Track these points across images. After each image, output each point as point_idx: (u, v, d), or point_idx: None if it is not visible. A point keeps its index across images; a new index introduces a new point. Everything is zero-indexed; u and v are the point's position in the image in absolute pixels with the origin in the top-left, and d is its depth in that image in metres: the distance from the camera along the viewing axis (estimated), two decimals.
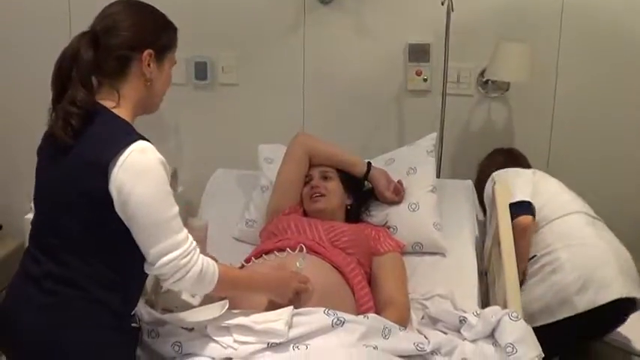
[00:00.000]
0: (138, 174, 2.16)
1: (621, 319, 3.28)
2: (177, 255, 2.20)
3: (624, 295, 3.15)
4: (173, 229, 2.21)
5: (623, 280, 3.17)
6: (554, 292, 3.22)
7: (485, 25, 3.89)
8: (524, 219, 3.27)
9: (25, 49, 4.15)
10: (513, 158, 3.75)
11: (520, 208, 3.29)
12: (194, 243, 2.27)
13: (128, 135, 2.20)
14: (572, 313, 3.16)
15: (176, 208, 2.23)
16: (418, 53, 4.01)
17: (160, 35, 2.36)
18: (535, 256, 3.32)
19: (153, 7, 2.40)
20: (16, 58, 4.20)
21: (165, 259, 2.19)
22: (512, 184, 3.40)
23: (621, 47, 3.89)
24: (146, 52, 2.31)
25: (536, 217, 3.30)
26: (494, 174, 3.52)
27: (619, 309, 3.21)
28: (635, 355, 3.33)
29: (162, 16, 2.41)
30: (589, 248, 3.26)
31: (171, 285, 2.26)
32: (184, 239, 2.23)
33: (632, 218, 3.98)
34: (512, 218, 3.22)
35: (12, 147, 4.15)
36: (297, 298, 2.63)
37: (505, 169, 3.56)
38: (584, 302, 3.15)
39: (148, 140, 2.22)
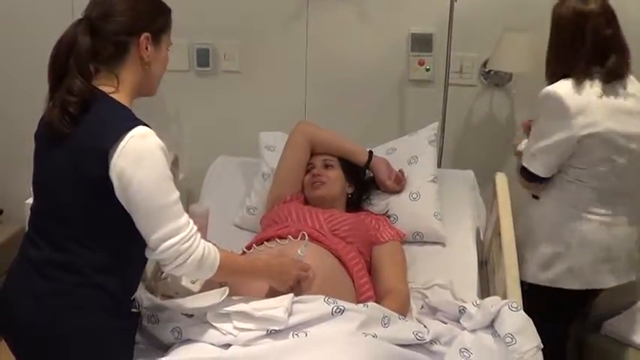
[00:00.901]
0: (138, 159, 2.16)
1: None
2: (178, 240, 2.20)
3: (583, 288, 3.14)
4: (174, 214, 2.22)
5: (590, 272, 3.12)
6: (528, 249, 3.20)
7: (488, 15, 3.87)
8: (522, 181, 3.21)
9: (27, 34, 4.14)
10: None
11: (530, 177, 3.15)
12: (195, 228, 2.27)
13: (128, 121, 2.21)
14: (532, 282, 3.14)
15: (177, 193, 2.24)
16: (421, 43, 4.00)
17: (155, 18, 2.36)
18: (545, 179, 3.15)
19: None
20: (17, 44, 4.19)
21: (166, 244, 2.19)
22: (551, 132, 3.02)
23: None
24: (143, 36, 2.31)
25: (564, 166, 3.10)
26: (550, 90, 3.01)
27: (581, 296, 3.21)
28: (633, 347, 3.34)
29: None
30: (581, 223, 3.11)
31: (173, 270, 2.26)
32: (185, 224, 2.24)
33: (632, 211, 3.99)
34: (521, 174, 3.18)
35: (12, 131, 4.15)
36: (298, 285, 2.64)
37: (565, 98, 2.96)
38: (546, 278, 3.16)
39: (147, 125, 2.22)
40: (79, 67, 2.22)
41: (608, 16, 3.04)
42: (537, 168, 3.10)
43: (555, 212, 3.15)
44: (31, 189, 2.38)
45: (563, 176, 3.11)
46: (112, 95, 2.26)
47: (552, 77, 3.08)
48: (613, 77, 3.02)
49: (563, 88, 3.00)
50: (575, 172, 3.08)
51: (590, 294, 3.20)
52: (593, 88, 2.99)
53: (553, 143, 3.03)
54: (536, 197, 3.24)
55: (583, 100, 2.97)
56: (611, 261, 3.12)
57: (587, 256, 3.10)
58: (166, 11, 2.42)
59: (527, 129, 3.28)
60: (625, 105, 3.03)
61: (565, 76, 3.02)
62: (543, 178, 3.12)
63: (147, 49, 2.32)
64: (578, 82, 3.00)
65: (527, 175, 3.14)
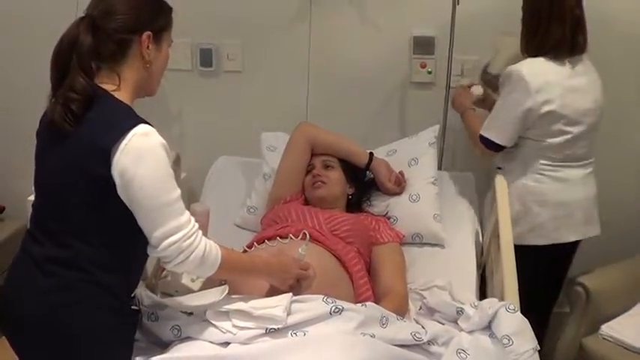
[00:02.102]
0: (140, 157, 2.17)
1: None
2: (180, 237, 2.22)
3: (547, 243, 3.39)
4: (176, 211, 2.23)
5: (552, 228, 3.39)
6: None
7: (490, 19, 3.86)
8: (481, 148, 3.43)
9: (30, 32, 4.14)
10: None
11: (490, 145, 3.38)
12: (196, 225, 2.28)
13: (130, 119, 2.22)
14: None
15: (178, 191, 2.25)
16: (423, 46, 4.00)
17: (157, 16, 2.37)
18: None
19: None
20: (20, 40, 4.19)
21: (168, 241, 2.21)
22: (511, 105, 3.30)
23: (624, 44, 3.88)
24: (145, 35, 2.32)
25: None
26: (514, 70, 3.30)
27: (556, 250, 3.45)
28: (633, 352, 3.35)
29: None
30: (541, 186, 3.37)
31: (175, 267, 2.28)
32: (187, 221, 2.25)
33: (630, 225, 4.04)
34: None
35: (14, 129, 4.15)
36: (298, 284, 2.65)
37: (527, 77, 3.24)
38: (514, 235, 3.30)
39: (149, 124, 2.23)
40: (82, 64, 2.23)
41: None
42: (501, 138, 3.35)
43: (518, 179, 3.39)
44: (33, 186, 2.39)
45: (523, 149, 3.38)
46: (113, 93, 2.28)
47: (527, 53, 3.37)
48: (578, 53, 3.32)
49: (527, 67, 3.27)
50: (533, 144, 3.35)
51: (554, 250, 3.44)
52: (555, 67, 3.28)
53: (515, 117, 3.28)
54: (500, 167, 3.48)
55: (543, 79, 3.25)
56: (569, 217, 3.40)
57: (546, 214, 3.37)
58: (167, 10, 2.43)
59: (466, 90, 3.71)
60: (577, 84, 3.31)
61: (538, 53, 3.31)
62: (501, 147, 3.37)
63: (148, 47, 2.33)
64: (546, 60, 3.28)
65: (487, 142, 3.38)
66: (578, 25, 3.29)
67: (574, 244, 3.50)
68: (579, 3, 3.29)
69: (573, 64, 3.31)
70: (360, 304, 2.60)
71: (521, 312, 2.57)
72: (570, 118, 3.29)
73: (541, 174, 3.36)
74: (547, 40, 3.27)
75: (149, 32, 2.33)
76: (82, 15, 2.31)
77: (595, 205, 3.49)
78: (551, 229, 3.39)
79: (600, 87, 3.41)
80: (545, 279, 3.57)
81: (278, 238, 2.94)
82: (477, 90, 3.68)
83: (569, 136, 3.31)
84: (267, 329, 2.42)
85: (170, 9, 2.44)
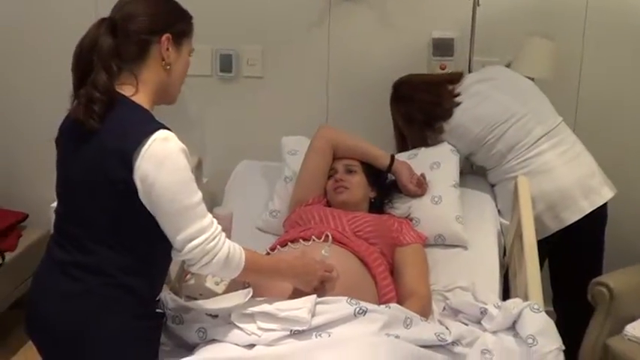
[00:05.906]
0: (161, 162, 2.19)
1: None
2: (203, 240, 2.23)
3: (550, 233, 3.49)
4: (198, 214, 2.24)
5: (550, 217, 3.49)
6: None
7: (510, 20, 3.87)
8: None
9: (49, 39, 4.18)
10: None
11: None
12: (219, 227, 2.29)
13: (149, 124, 2.23)
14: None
15: (200, 194, 2.26)
16: (442, 48, 4.00)
17: (176, 20, 2.40)
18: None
19: None
20: (41, 45, 4.23)
21: (191, 244, 2.22)
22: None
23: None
24: (165, 37, 2.33)
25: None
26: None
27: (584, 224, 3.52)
28: None
29: (178, 5, 2.45)
30: (548, 175, 3.49)
31: (199, 270, 2.29)
32: (210, 224, 2.26)
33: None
34: None
35: (36, 135, 4.16)
36: (322, 286, 2.66)
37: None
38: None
39: (168, 129, 2.25)
40: (104, 63, 2.25)
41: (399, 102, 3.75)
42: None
43: (505, 187, 3.56)
44: (55, 193, 2.41)
45: (490, 163, 3.63)
46: (132, 98, 2.29)
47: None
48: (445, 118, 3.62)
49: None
50: (491, 158, 3.59)
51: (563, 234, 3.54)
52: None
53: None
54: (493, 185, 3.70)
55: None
56: (563, 200, 3.48)
57: (539, 207, 3.43)
58: (188, 17, 2.45)
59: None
60: (476, 99, 3.59)
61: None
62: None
63: (168, 49, 2.35)
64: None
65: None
66: (429, 119, 3.64)
67: (583, 222, 3.51)
68: (418, 105, 3.66)
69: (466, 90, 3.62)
70: (383, 305, 2.60)
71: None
72: (493, 124, 3.52)
73: (515, 174, 3.47)
74: (420, 137, 3.70)
75: (169, 34, 2.34)
76: (103, 17, 2.33)
77: (593, 174, 3.54)
78: (551, 218, 3.48)
79: (503, 72, 3.70)
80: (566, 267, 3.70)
81: (301, 240, 2.94)
82: None
83: (509, 131, 3.51)
84: (291, 331, 2.42)
85: (191, 17, 2.46)
